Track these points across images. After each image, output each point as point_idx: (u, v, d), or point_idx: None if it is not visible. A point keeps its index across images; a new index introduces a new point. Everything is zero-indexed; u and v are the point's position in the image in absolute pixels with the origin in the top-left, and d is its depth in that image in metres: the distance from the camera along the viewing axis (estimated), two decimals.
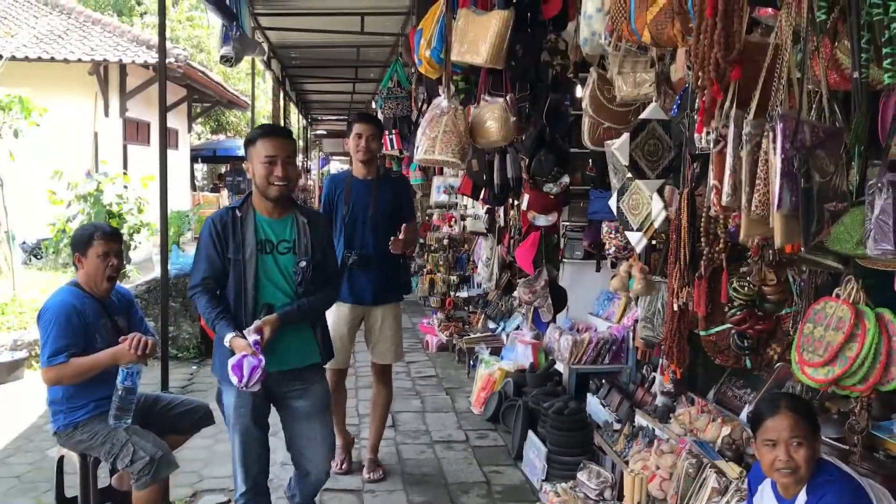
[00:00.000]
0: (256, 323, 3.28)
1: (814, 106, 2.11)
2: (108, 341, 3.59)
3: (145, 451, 3.49)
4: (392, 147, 8.63)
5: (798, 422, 2.41)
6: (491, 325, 8.08)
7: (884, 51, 1.74)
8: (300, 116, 20.37)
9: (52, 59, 13.53)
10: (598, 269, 5.57)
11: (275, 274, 3.42)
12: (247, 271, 3.36)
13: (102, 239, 3.65)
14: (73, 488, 3.82)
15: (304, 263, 3.39)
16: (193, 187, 23.00)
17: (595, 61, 3.80)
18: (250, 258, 3.36)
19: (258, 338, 3.23)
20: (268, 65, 10.89)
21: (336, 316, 4.52)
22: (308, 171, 24.13)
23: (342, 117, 20.73)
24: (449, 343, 8.28)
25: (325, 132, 25.96)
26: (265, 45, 9.32)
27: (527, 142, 4.76)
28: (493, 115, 4.07)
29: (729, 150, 2.14)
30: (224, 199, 21.01)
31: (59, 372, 3.48)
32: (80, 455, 3.66)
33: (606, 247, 4.76)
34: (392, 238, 4.63)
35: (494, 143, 4.20)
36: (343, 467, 4.84)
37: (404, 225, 4.73)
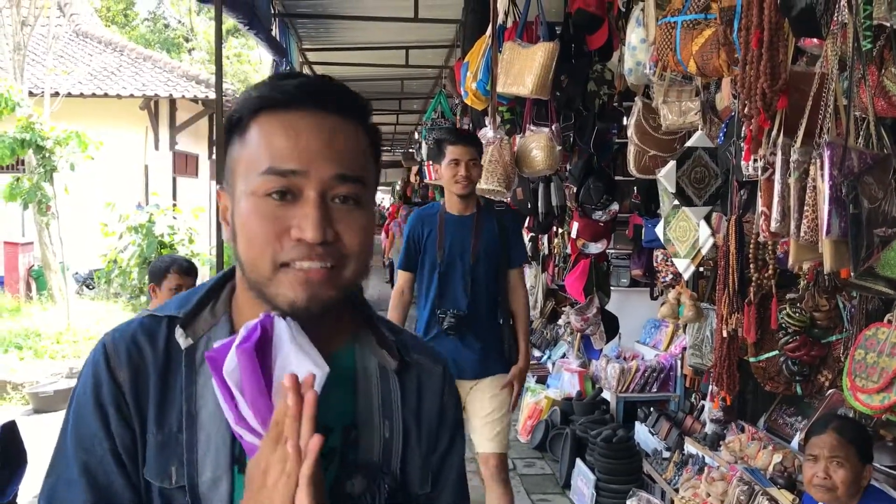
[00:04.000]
0: None
1: (861, 133, 2.13)
2: None
3: None
4: (436, 177, 8.75)
5: (841, 443, 2.44)
6: (536, 353, 8.07)
7: None
8: None
9: (106, 95, 13.95)
10: (653, 297, 5.56)
11: None
12: None
13: (177, 273, 3.77)
14: None
15: None
16: None
17: (640, 91, 3.85)
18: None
19: None
20: None
21: None
22: None
23: (385, 148, 20.98)
24: None
25: None
26: None
27: (574, 170, 4.81)
28: (538, 145, 4.14)
29: (777, 177, 2.17)
30: None
31: None
32: None
33: (662, 274, 4.76)
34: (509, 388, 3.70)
35: (540, 171, 4.26)
36: None
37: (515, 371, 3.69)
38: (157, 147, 14.96)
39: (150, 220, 10.00)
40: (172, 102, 14.96)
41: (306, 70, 9.05)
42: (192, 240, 10.49)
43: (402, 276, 3.80)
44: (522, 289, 3.82)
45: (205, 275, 10.81)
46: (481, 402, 3.65)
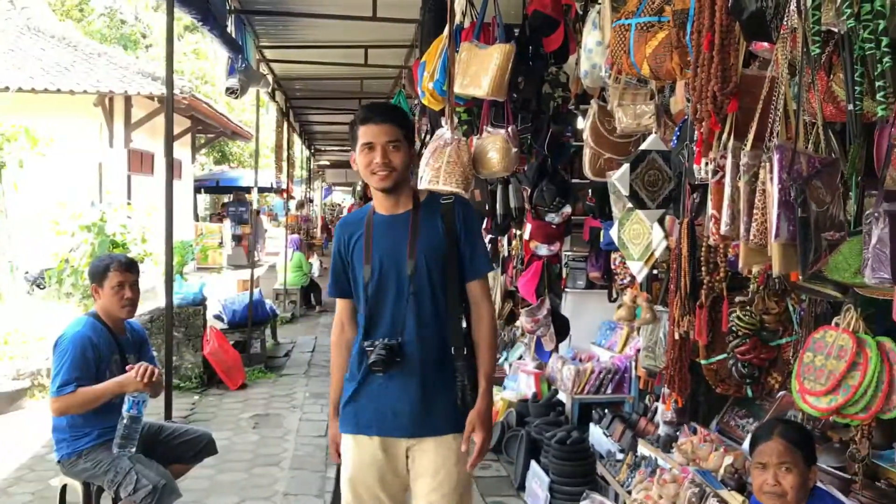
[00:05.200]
0: None
1: (810, 137, 2.15)
2: (116, 376, 3.62)
3: (148, 479, 3.50)
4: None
5: (788, 448, 2.45)
6: None
7: (876, 84, 1.78)
8: (304, 147, 20.53)
9: (59, 91, 13.66)
10: (611, 299, 5.58)
11: None
12: None
13: (118, 270, 3.69)
14: None
15: None
16: (196, 217, 23.10)
17: (595, 93, 3.86)
18: None
19: None
20: (272, 96, 11.00)
21: (355, 460, 2.79)
22: (311, 200, 24.28)
23: (345, 148, 20.88)
24: None
25: (328, 162, 26.17)
26: (270, 77, 9.43)
27: (529, 172, 4.81)
28: (494, 146, 4.11)
29: (727, 180, 2.18)
30: (227, 229, 21.06)
31: (67, 402, 3.50)
32: (84, 484, 3.67)
33: (620, 277, 4.77)
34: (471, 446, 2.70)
35: (496, 173, 4.24)
36: None
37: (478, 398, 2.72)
38: (111, 144, 14.69)
39: (102, 219, 9.81)
40: (128, 99, 14.71)
41: (263, 67, 8.94)
42: (145, 239, 10.32)
43: (338, 306, 2.97)
44: (487, 307, 2.83)
45: (159, 275, 10.64)
46: (423, 475, 2.73)
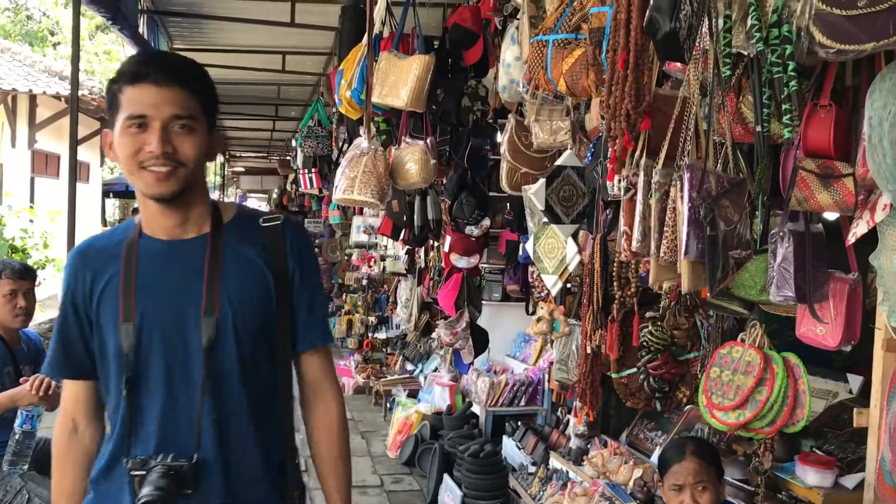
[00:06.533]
0: None
1: (720, 157, 2.19)
2: (9, 389, 3.44)
3: (41, 498, 3.33)
4: (312, 186, 8.58)
5: (703, 467, 2.46)
6: (409, 366, 8.04)
7: (783, 107, 1.83)
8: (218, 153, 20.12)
9: None
10: (529, 312, 5.59)
11: None
12: None
13: (10, 277, 3.50)
14: None
15: None
16: (104, 223, 22.33)
17: (513, 108, 3.88)
18: None
19: None
20: None
21: None
22: None
23: (262, 154, 20.56)
24: (366, 385, 8.18)
25: (243, 169, 25.70)
26: None
27: (449, 185, 4.81)
28: (413, 158, 4.09)
29: (639, 197, 2.20)
30: None
31: None
32: None
33: (538, 290, 4.80)
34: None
35: (414, 184, 4.22)
36: None
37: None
38: (13, 144, 14.07)
39: (1, 223, 9.39)
40: (33, 98, 14.13)
41: None
42: (48, 244, 9.92)
43: (66, 392, 1.82)
44: (333, 393, 1.87)
45: (58, 280, 10.23)
46: None
